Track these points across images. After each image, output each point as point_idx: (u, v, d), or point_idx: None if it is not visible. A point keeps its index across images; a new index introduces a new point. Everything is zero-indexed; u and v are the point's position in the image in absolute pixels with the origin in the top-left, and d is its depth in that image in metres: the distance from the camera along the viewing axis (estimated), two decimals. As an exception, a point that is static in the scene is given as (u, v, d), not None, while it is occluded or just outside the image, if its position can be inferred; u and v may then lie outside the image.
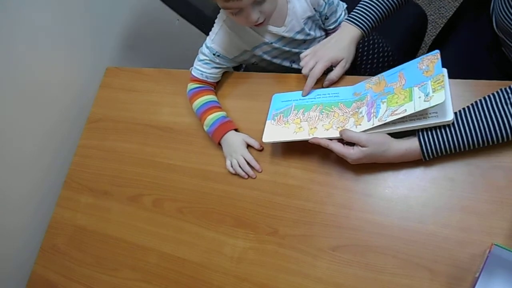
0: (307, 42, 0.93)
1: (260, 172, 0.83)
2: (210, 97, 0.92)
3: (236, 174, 0.84)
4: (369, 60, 1.02)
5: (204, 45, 0.91)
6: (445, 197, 0.68)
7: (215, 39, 0.88)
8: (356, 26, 0.81)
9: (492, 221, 0.64)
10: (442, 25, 1.06)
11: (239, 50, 0.91)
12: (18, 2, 0.93)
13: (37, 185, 1.07)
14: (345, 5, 0.95)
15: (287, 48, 0.91)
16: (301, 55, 0.85)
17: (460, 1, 1.52)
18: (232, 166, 0.85)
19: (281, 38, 0.89)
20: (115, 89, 1.12)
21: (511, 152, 0.66)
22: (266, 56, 0.93)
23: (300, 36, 0.90)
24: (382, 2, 0.81)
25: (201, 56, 0.91)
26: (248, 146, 0.86)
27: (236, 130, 0.88)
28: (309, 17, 0.88)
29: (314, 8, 0.87)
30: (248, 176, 0.83)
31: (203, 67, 0.91)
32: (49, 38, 1.04)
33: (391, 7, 0.82)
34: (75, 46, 1.12)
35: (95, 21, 1.17)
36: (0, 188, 0.98)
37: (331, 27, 0.94)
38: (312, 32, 0.91)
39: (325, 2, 0.87)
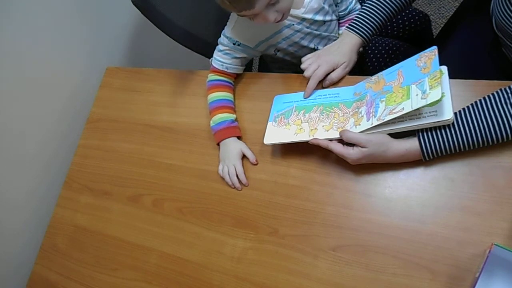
0: (326, 24, 0.92)
1: (247, 186, 0.83)
2: (227, 94, 0.91)
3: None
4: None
5: (222, 35, 0.89)
6: (445, 197, 0.68)
7: (235, 27, 0.86)
8: (356, 34, 0.83)
9: (492, 221, 0.64)
10: (442, 25, 1.06)
11: (259, 39, 0.89)
12: (18, 2, 0.93)
13: (37, 185, 1.07)
14: None
15: (308, 30, 0.90)
16: (303, 58, 0.85)
17: (460, 1, 1.52)
18: (222, 171, 0.85)
19: (302, 20, 0.88)
20: (115, 89, 1.12)
21: (511, 152, 0.66)
22: (286, 43, 0.91)
23: (319, 17, 0.89)
24: (381, 9, 0.82)
25: (220, 47, 0.90)
26: (244, 156, 0.85)
27: (239, 137, 0.87)
28: None
29: None
30: (234, 187, 0.84)
31: (223, 58, 0.90)
32: (49, 38, 1.04)
33: (391, 13, 0.83)
34: (75, 46, 1.12)
35: (95, 21, 1.17)
36: (0, 188, 0.98)
37: (342, 13, 0.96)
38: (328, 13, 0.92)
39: None
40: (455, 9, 1.03)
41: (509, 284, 0.60)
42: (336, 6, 0.94)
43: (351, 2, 0.95)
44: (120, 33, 1.26)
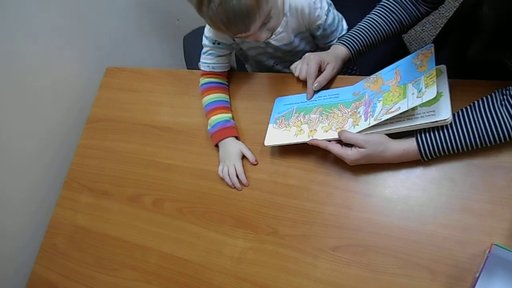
0: (293, 52, 0.94)
1: (247, 186, 0.83)
2: (220, 95, 0.92)
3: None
4: None
5: (203, 36, 0.91)
6: (445, 197, 0.68)
7: (211, 28, 0.88)
8: (343, 46, 0.83)
9: (492, 221, 0.64)
10: (442, 25, 1.06)
11: (230, 39, 0.91)
12: (18, 2, 0.93)
13: (37, 185, 1.07)
14: (345, 29, 0.94)
15: (271, 51, 0.92)
16: (291, 67, 0.86)
17: (460, 1, 1.52)
18: (222, 172, 0.85)
19: (268, 43, 0.89)
20: (115, 89, 1.12)
21: (511, 152, 0.66)
22: (251, 52, 0.94)
23: (286, 48, 0.91)
24: (374, 30, 0.82)
25: (204, 49, 0.92)
26: (244, 157, 0.85)
27: (236, 137, 0.87)
28: (300, 32, 0.89)
29: (306, 27, 0.88)
30: (234, 187, 0.84)
31: (207, 59, 0.92)
32: (49, 38, 1.04)
33: (382, 36, 0.83)
34: (75, 46, 1.13)
35: (95, 21, 1.17)
36: (0, 188, 0.98)
37: (321, 45, 0.96)
38: (298, 46, 0.93)
39: (319, 27, 0.88)
40: (455, 9, 1.03)
41: (509, 284, 0.60)
42: (314, 39, 0.94)
43: (335, 39, 0.93)
44: (120, 33, 1.26)
